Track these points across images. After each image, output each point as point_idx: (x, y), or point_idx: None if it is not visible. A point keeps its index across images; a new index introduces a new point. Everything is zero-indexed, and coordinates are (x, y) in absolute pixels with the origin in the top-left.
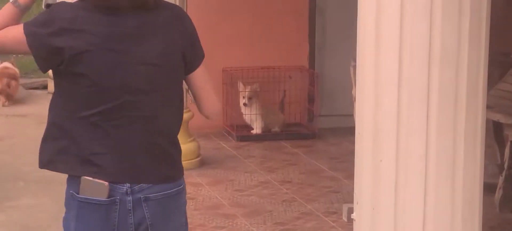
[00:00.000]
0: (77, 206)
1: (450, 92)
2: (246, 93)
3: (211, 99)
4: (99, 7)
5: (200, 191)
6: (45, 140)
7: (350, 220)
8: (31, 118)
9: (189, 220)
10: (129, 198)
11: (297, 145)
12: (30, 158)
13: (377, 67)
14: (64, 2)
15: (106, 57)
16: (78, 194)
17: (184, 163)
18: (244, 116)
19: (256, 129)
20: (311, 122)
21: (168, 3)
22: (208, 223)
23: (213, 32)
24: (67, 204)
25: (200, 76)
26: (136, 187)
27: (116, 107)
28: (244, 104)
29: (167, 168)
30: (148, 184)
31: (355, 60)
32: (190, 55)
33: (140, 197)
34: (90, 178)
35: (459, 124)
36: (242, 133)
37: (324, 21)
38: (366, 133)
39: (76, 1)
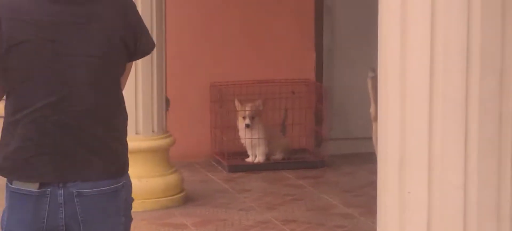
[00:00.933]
0: (9, 196)
1: (493, 107)
2: (247, 112)
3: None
4: None
5: None
6: None
7: None
8: None
9: None
10: (60, 191)
11: (302, 176)
12: None
13: (404, 78)
14: None
15: (44, 48)
16: (11, 184)
17: (165, 200)
18: (243, 140)
19: (259, 157)
20: (319, 147)
21: None
22: None
23: (197, 39)
24: (5, 196)
25: (131, 65)
26: (69, 183)
27: (56, 102)
28: (247, 125)
29: (107, 165)
30: (80, 182)
31: (374, 71)
32: (134, 47)
33: (73, 192)
34: None
35: (505, 145)
36: (234, 161)
37: (333, 23)
38: (391, 159)
39: None
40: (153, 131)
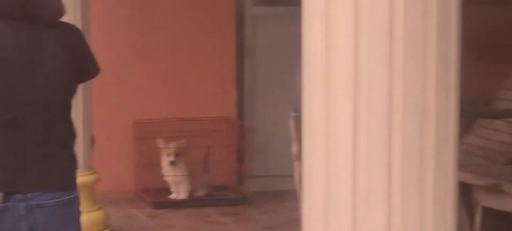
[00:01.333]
0: None
1: (415, 146)
2: (171, 149)
3: None
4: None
5: None
6: None
7: None
8: None
9: None
10: (22, 204)
11: (224, 212)
12: None
13: (328, 119)
14: None
15: (6, 70)
16: None
17: None
18: (166, 177)
19: (182, 193)
20: (241, 185)
21: (65, 22)
22: None
23: (121, 78)
24: None
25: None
26: (29, 195)
27: (15, 119)
28: (171, 162)
29: (62, 177)
30: (41, 192)
31: (296, 111)
32: (83, 70)
33: (33, 204)
34: None
35: (426, 183)
36: (158, 198)
37: (254, 63)
38: (315, 198)
39: None
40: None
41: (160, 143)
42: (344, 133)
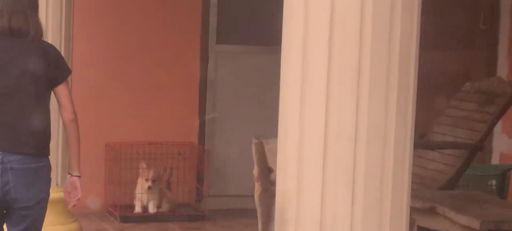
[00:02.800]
0: None
1: (376, 169)
2: (151, 175)
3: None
4: None
5: None
6: None
7: None
8: None
9: None
10: None
11: (185, 227)
12: None
13: (301, 145)
14: None
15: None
16: None
17: None
18: (139, 195)
19: (150, 208)
20: (200, 202)
21: (44, 41)
22: None
23: (95, 104)
24: None
25: (61, 90)
26: (6, 159)
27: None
28: (149, 187)
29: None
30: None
31: (257, 138)
32: (56, 73)
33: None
34: None
35: (385, 204)
36: (125, 213)
37: (215, 94)
38: (288, 216)
39: None
40: (57, 185)
41: (142, 166)
42: (314, 159)
